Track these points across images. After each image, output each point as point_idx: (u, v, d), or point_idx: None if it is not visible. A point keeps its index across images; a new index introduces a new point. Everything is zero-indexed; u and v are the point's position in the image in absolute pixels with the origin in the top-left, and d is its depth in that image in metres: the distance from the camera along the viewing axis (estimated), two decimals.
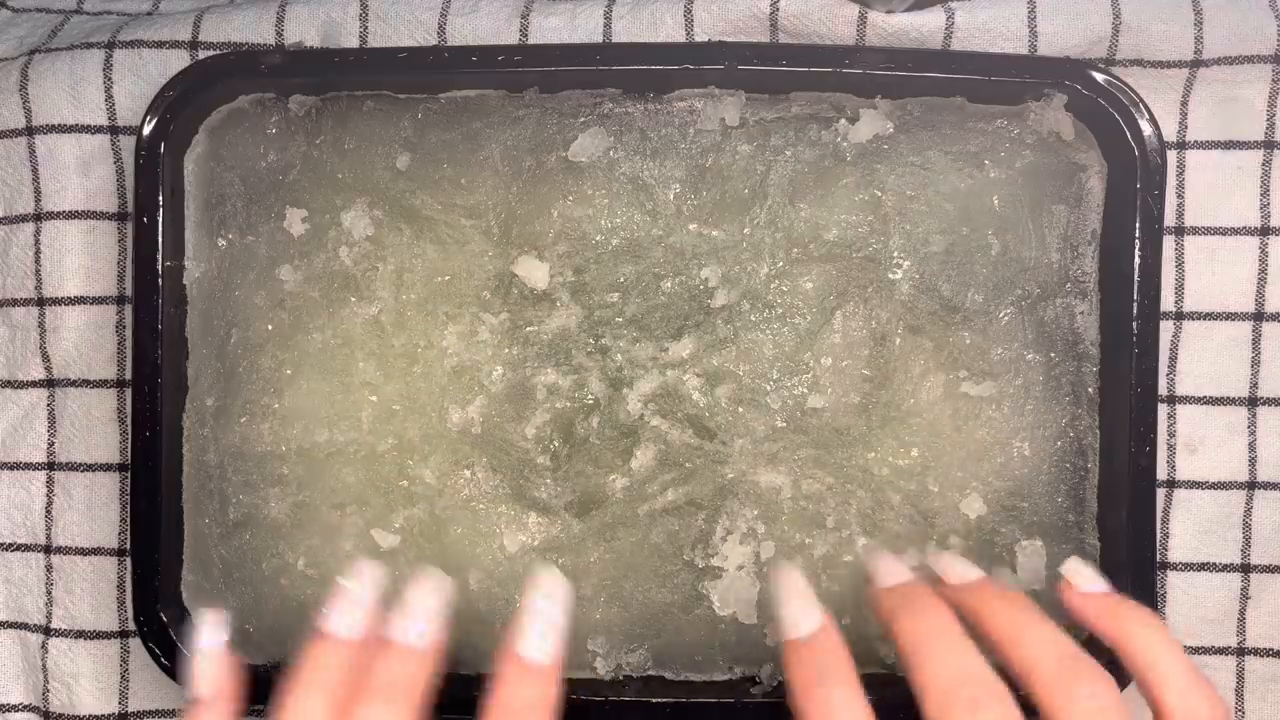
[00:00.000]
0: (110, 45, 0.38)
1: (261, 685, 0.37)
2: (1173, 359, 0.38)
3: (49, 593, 0.39)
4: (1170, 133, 0.38)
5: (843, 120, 0.37)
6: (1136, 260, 0.35)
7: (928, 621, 0.30)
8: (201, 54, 0.38)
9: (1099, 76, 0.35)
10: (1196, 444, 0.38)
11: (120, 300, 0.38)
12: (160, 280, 0.36)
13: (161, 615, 0.36)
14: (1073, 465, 0.37)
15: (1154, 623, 0.30)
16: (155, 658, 0.36)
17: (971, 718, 0.28)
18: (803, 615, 0.31)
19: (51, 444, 0.39)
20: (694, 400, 0.37)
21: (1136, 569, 0.36)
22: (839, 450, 0.37)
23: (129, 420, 0.37)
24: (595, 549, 0.37)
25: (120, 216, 0.38)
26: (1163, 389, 0.38)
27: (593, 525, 0.37)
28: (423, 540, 0.37)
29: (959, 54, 0.37)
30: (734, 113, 0.37)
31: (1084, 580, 0.32)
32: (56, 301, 0.38)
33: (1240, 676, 0.39)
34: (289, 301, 0.37)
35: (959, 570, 0.32)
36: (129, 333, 0.37)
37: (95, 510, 0.39)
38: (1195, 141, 0.38)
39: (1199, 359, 0.38)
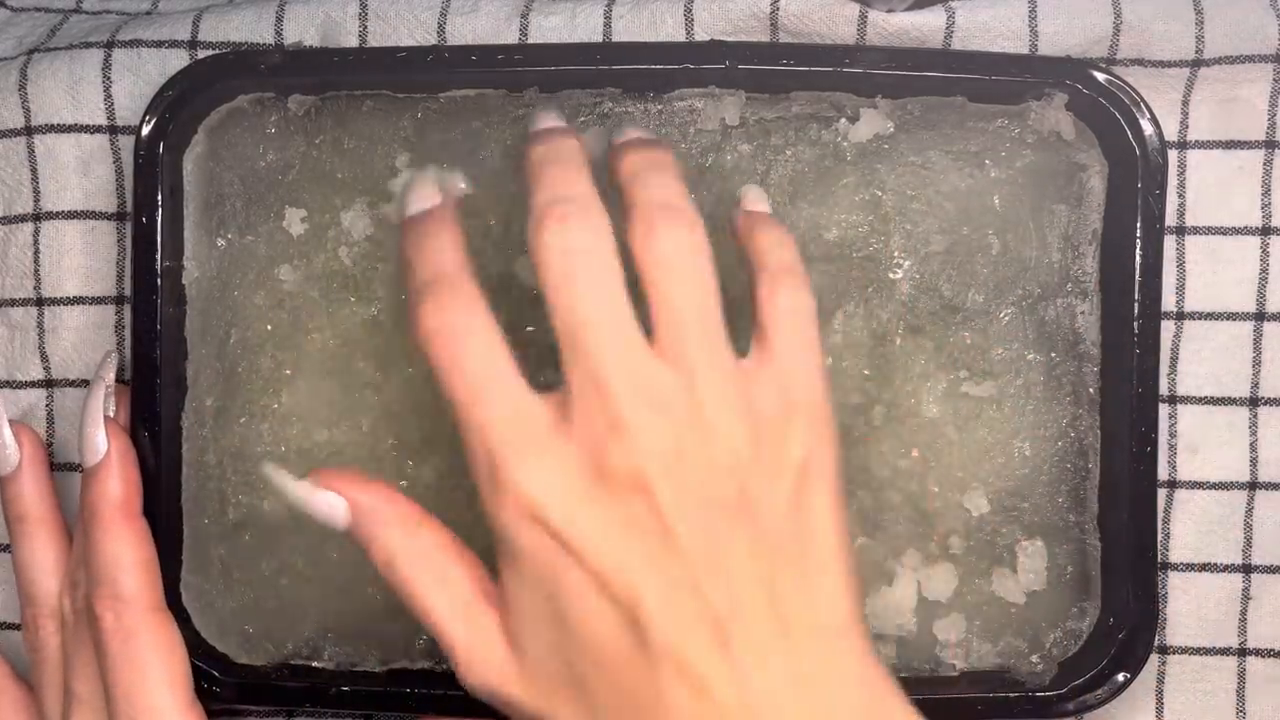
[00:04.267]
0: (109, 45, 0.38)
1: (262, 685, 0.37)
2: (1173, 359, 0.38)
3: None
4: (1171, 132, 0.38)
5: (843, 120, 0.37)
6: (1137, 260, 0.35)
7: (557, 151, 0.31)
8: (201, 54, 0.38)
9: (1100, 76, 0.35)
10: (1197, 444, 0.38)
11: (119, 300, 0.38)
12: (159, 280, 0.36)
13: None
14: (1073, 465, 0.37)
15: (779, 229, 0.32)
16: None
17: (559, 231, 0.29)
18: (419, 197, 0.32)
19: (50, 444, 0.39)
20: None
21: (1137, 569, 0.36)
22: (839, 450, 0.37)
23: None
24: None
25: (119, 216, 0.38)
26: (1163, 389, 0.38)
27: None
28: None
29: (959, 54, 0.37)
30: (734, 112, 0.36)
31: (750, 202, 0.34)
32: (55, 301, 0.38)
33: (1241, 676, 0.39)
34: (288, 301, 0.37)
35: (628, 133, 0.33)
36: (128, 333, 0.37)
37: None
38: (1196, 141, 0.38)
39: (1200, 359, 0.38)
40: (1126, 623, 0.36)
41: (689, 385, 0.28)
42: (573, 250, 0.29)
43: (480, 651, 0.29)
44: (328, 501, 0.30)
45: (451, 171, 0.33)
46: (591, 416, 0.28)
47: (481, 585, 0.30)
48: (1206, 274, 0.38)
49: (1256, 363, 0.38)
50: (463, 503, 0.37)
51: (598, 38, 0.37)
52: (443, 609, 0.29)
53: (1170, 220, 0.38)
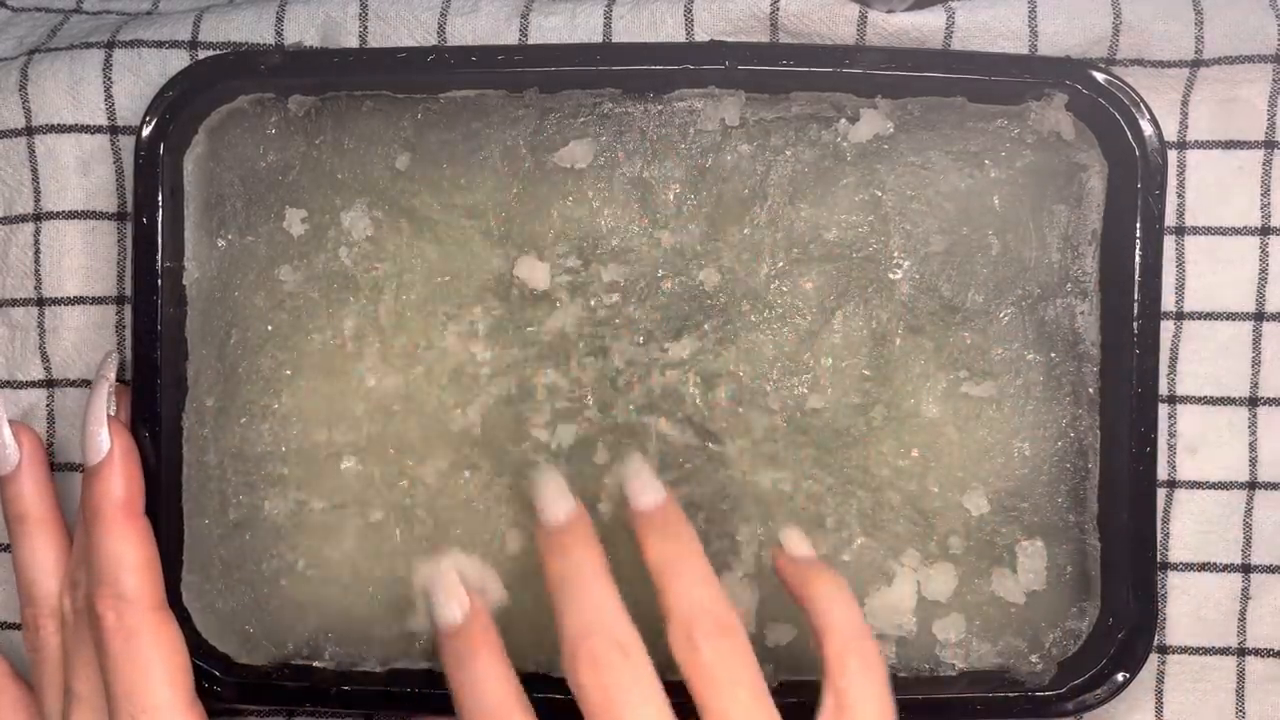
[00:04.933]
0: (110, 45, 0.38)
1: (262, 685, 0.37)
2: (1173, 359, 0.38)
3: None
4: (1171, 132, 0.38)
5: (843, 120, 0.37)
6: (1137, 260, 0.35)
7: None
8: (201, 54, 0.38)
9: (1099, 76, 0.35)
10: (1197, 444, 0.38)
11: (120, 300, 0.38)
12: (160, 280, 0.36)
13: None
14: (1073, 465, 0.37)
15: (835, 581, 0.32)
16: None
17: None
18: (448, 604, 0.31)
19: (51, 444, 0.39)
20: (694, 401, 0.37)
21: (1136, 569, 0.36)
22: (839, 450, 0.37)
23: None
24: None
25: (120, 216, 0.38)
26: (1163, 389, 0.38)
27: (592, 525, 0.37)
28: (423, 541, 0.37)
29: (959, 54, 0.37)
30: (734, 113, 0.36)
31: (793, 546, 0.34)
32: (56, 301, 0.38)
33: (1240, 676, 0.39)
34: (289, 302, 0.37)
35: (644, 499, 0.32)
36: (129, 333, 0.37)
37: None
38: (1196, 141, 0.38)
39: (1199, 359, 0.38)
40: (1126, 622, 0.36)
41: None
42: (611, 688, 0.29)
43: None
44: None
45: (479, 570, 0.33)
46: None
47: None
48: (1206, 274, 0.38)
49: (1256, 363, 0.38)
50: (461, 502, 0.37)
51: (598, 38, 0.37)
52: None
53: (1170, 220, 0.38)
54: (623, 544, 0.36)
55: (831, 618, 0.31)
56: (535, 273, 0.36)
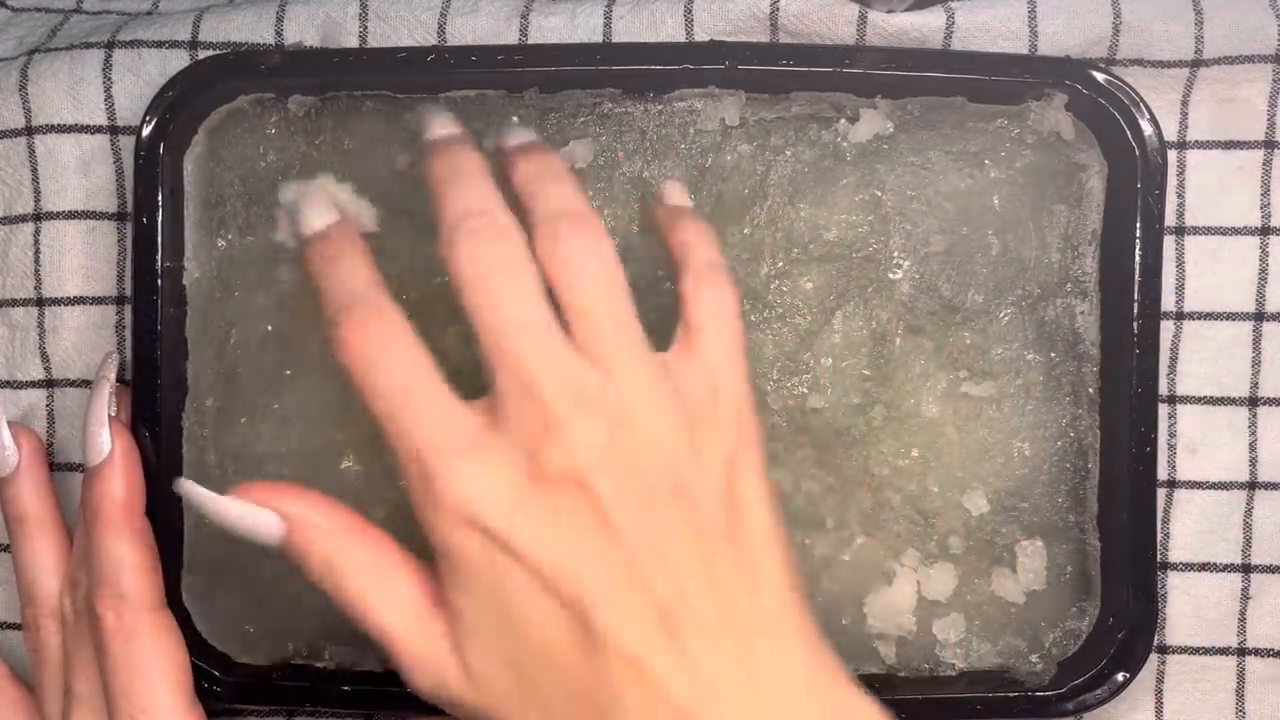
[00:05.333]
0: (110, 45, 0.38)
1: (262, 685, 0.37)
2: (1173, 359, 0.38)
3: None
4: (1171, 132, 0.38)
5: (843, 120, 0.37)
6: (1137, 260, 0.36)
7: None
8: (201, 54, 0.38)
9: (1099, 76, 0.35)
10: (1197, 444, 0.38)
11: (120, 300, 0.38)
12: (160, 280, 0.36)
13: None
14: (1073, 465, 0.37)
15: (701, 226, 0.33)
16: None
17: (473, 242, 0.29)
18: (316, 211, 0.32)
19: (50, 444, 0.39)
20: None
21: (1136, 569, 0.36)
22: (839, 450, 0.37)
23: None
24: None
25: (120, 216, 0.38)
26: (1163, 389, 0.38)
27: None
28: (423, 541, 0.37)
29: (959, 54, 0.37)
30: (734, 113, 0.36)
31: (671, 195, 0.34)
32: (56, 302, 0.38)
33: (1240, 676, 0.39)
34: (289, 302, 0.37)
35: (512, 138, 0.33)
36: (129, 333, 0.37)
37: None
38: (1195, 141, 0.38)
39: (1199, 359, 0.38)
40: (1126, 622, 0.36)
41: (614, 382, 0.29)
42: (489, 261, 0.29)
43: (429, 660, 0.29)
44: (257, 517, 0.30)
45: (340, 182, 0.33)
46: (523, 419, 0.28)
47: (427, 592, 0.30)
48: (1206, 274, 0.38)
49: (1256, 363, 0.38)
50: None
51: (598, 38, 0.37)
52: (389, 618, 0.29)
53: (1170, 220, 0.38)
54: None
55: (690, 252, 0.32)
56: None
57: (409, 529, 0.37)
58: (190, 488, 0.31)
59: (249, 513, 0.30)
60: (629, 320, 0.30)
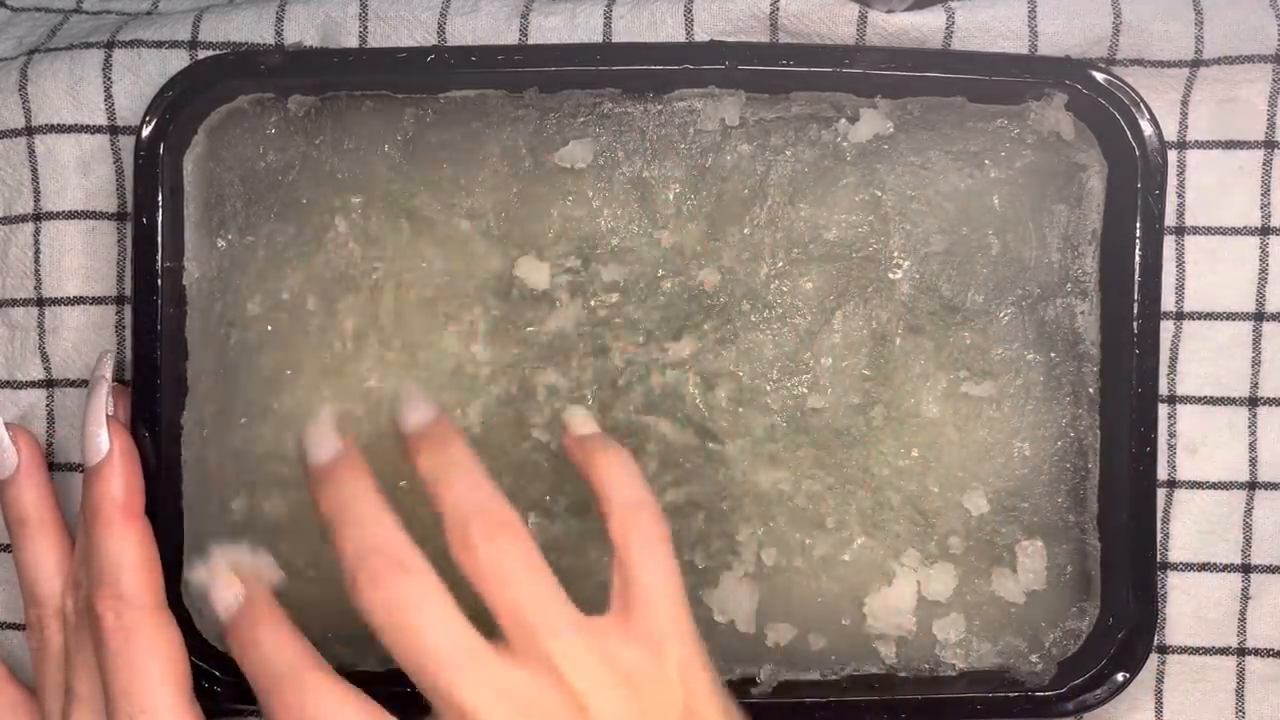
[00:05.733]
0: (109, 45, 0.38)
1: None
2: (1173, 359, 0.38)
3: None
4: (1171, 132, 0.38)
5: (843, 120, 0.37)
6: (1137, 260, 0.36)
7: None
8: (201, 54, 0.38)
9: (1099, 76, 0.35)
10: (1197, 444, 0.38)
11: (120, 300, 0.38)
12: (159, 280, 0.36)
13: None
14: (1073, 465, 0.37)
15: (617, 456, 0.33)
16: None
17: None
18: (223, 591, 0.32)
19: (50, 444, 0.39)
20: (694, 401, 0.37)
21: (1136, 569, 0.36)
22: (839, 450, 0.37)
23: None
24: (595, 549, 0.37)
25: (120, 216, 0.38)
26: (1163, 389, 0.38)
27: (593, 525, 0.37)
28: (423, 540, 0.37)
29: (959, 54, 0.37)
30: (734, 113, 0.36)
31: (576, 425, 0.34)
32: (56, 302, 0.38)
33: (1240, 676, 0.39)
34: (289, 302, 0.37)
35: (412, 418, 0.33)
36: (129, 333, 0.37)
37: None
38: (1195, 141, 0.38)
39: (1199, 359, 0.38)
40: (1126, 622, 0.36)
41: (554, 675, 0.29)
42: (396, 602, 0.29)
43: None
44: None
45: (250, 556, 0.33)
46: None
47: None
48: (1206, 274, 0.38)
49: (1256, 363, 0.38)
50: None
51: (598, 38, 0.37)
52: None
53: (1170, 220, 0.38)
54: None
55: (610, 492, 0.32)
56: (535, 273, 0.36)
57: (407, 530, 0.37)
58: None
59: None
60: (558, 607, 0.30)
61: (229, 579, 0.32)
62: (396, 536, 0.30)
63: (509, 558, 0.30)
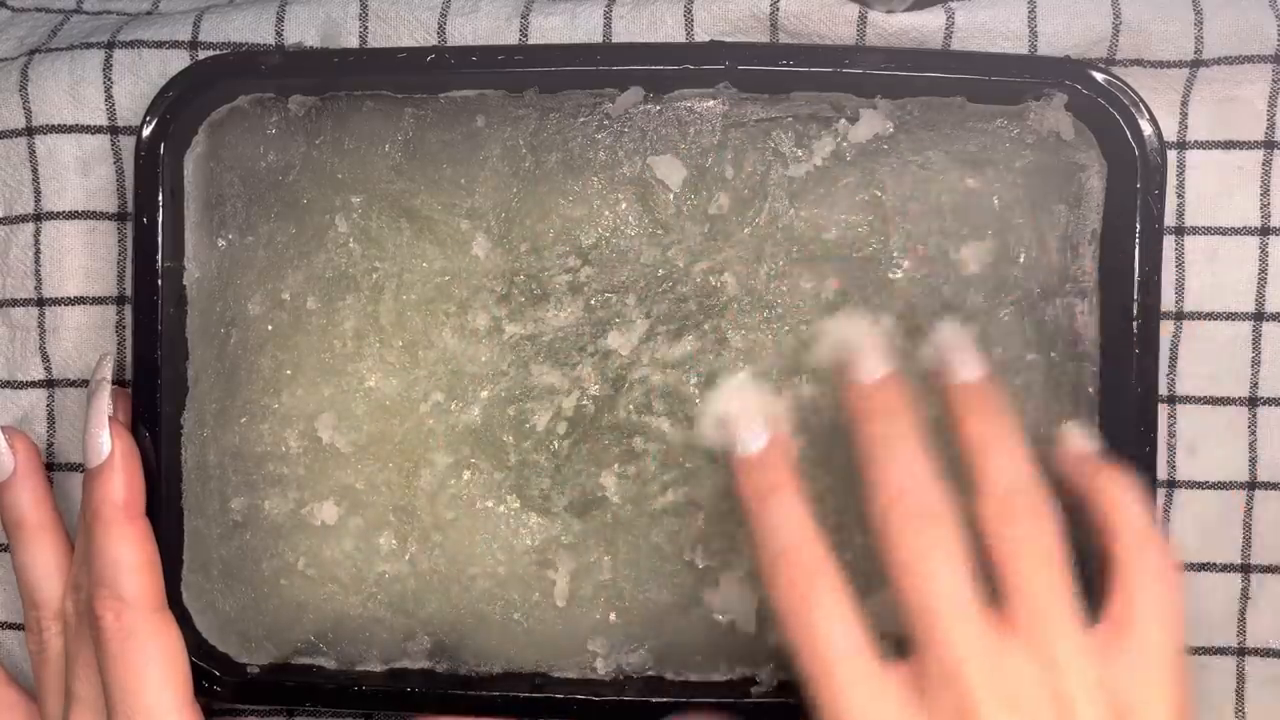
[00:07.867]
0: (110, 45, 0.38)
1: (262, 685, 0.37)
2: (1173, 359, 0.38)
3: None
4: (1170, 133, 0.38)
5: (843, 120, 0.37)
6: (1137, 260, 0.36)
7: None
8: (201, 54, 0.38)
9: (1099, 76, 0.35)
10: (1197, 444, 0.38)
11: (120, 300, 0.38)
12: (160, 280, 0.36)
13: None
14: None
15: (1124, 479, 0.32)
16: None
17: (907, 525, 0.30)
18: (751, 434, 0.33)
19: (51, 444, 0.39)
20: (695, 400, 0.37)
21: None
22: (839, 450, 0.37)
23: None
24: (595, 549, 0.37)
25: (120, 217, 0.38)
26: (1163, 389, 0.38)
27: (593, 525, 0.37)
28: (423, 541, 0.37)
29: (959, 54, 0.37)
30: (734, 113, 0.36)
31: (1075, 442, 0.34)
32: (56, 302, 0.38)
33: (1240, 677, 0.39)
34: (289, 302, 0.37)
35: (965, 372, 0.33)
36: (129, 333, 0.37)
37: None
38: (1195, 141, 0.38)
39: (1199, 359, 0.38)
40: None
41: (1048, 673, 0.29)
42: (922, 546, 0.30)
43: None
44: None
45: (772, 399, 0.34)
46: (944, 706, 0.28)
47: None
48: (1206, 274, 0.38)
49: (1256, 363, 0.38)
50: (461, 502, 0.37)
51: (598, 38, 0.37)
52: None
53: (1169, 220, 0.38)
54: (624, 537, 0.36)
55: (1120, 516, 0.31)
56: (673, 173, 0.36)
57: (407, 530, 0.37)
58: None
59: None
60: (1071, 608, 0.30)
61: (761, 423, 0.33)
62: (933, 484, 0.31)
63: (1040, 543, 0.30)
